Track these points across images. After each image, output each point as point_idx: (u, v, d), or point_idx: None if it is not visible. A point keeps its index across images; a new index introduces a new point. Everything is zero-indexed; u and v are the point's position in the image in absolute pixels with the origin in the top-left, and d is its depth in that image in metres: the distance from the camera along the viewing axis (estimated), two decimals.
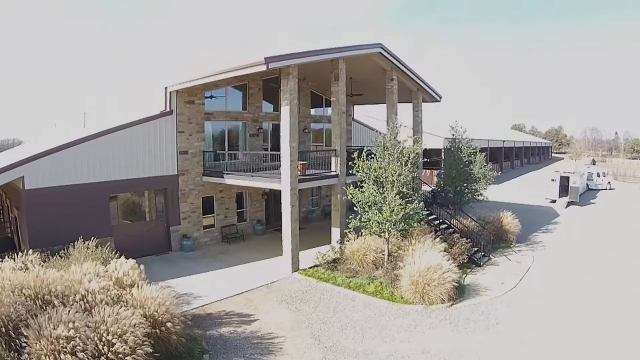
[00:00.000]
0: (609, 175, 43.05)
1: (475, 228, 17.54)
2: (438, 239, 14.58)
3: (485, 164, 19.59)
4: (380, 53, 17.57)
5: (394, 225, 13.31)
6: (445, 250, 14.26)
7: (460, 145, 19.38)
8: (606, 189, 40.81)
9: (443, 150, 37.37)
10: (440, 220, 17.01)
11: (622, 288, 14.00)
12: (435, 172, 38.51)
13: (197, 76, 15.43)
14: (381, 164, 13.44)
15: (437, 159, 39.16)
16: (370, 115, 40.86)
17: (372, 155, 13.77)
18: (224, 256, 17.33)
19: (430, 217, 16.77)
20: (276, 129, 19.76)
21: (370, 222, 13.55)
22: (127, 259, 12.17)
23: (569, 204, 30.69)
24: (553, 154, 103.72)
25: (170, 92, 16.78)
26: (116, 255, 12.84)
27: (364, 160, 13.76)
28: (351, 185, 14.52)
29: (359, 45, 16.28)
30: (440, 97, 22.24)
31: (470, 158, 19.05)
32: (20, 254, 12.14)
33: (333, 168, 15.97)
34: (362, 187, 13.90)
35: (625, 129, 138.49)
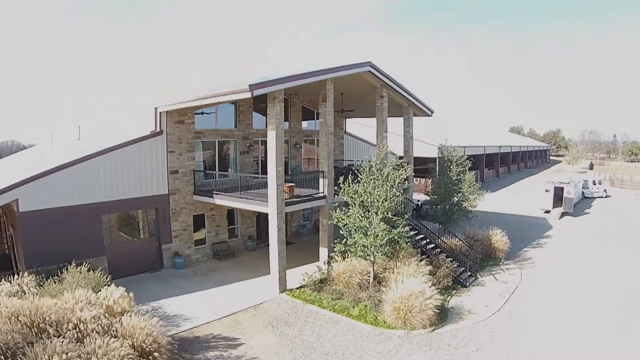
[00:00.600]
0: (605, 183, 43.16)
1: (463, 247, 17.66)
2: (423, 262, 14.70)
3: (474, 183, 19.57)
4: (370, 71, 17.72)
5: (379, 249, 13.46)
6: (430, 273, 14.42)
7: (449, 164, 19.43)
8: (602, 197, 40.94)
9: (437, 159, 37.47)
10: (428, 240, 17.12)
11: (611, 313, 13.95)
12: (429, 180, 38.60)
13: (185, 99, 15.60)
14: (366, 188, 13.56)
15: (431, 166, 39.20)
16: (365, 123, 41.15)
17: (358, 180, 13.87)
18: (215, 274, 17.50)
19: (417, 237, 16.89)
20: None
21: (356, 246, 13.70)
22: (121, 277, 12.73)
23: (563, 214, 30.82)
24: (551, 157, 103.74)
25: (160, 113, 16.94)
26: (108, 280, 13.28)
27: (349, 185, 13.86)
28: (338, 208, 14.61)
29: (348, 65, 16.37)
30: (432, 112, 22.35)
31: (459, 177, 19.12)
32: (16, 275, 12.71)
33: (321, 189, 16.10)
34: (348, 209, 14.04)
35: (623, 131, 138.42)
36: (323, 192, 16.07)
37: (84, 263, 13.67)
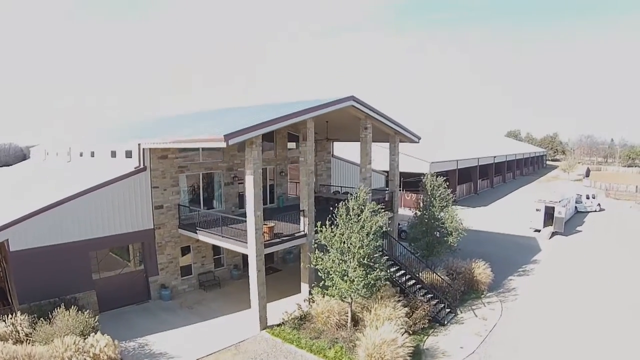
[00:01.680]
0: (599, 196, 43.20)
1: (444, 283, 17.75)
2: (401, 304, 14.83)
3: (457, 218, 19.48)
4: (353, 106, 17.84)
5: (355, 293, 13.63)
6: (407, 315, 14.58)
7: (432, 199, 19.41)
8: (596, 211, 41.00)
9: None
10: (408, 276, 17.25)
11: (597, 355, 13.85)
12: (421, 196, 38.67)
13: (166, 140, 15.79)
14: (343, 233, 13.68)
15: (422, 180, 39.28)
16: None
17: (336, 224, 13.98)
18: (200, 307, 17.77)
19: (397, 274, 17.03)
20: None
21: (334, 288, 13.86)
22: (110, 309, 14.26)
23: (553, 234, 30.87)
24: (548, 162, 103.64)
25: (143, 149, 17.10)
26: (96, 322, 13.91)
27: (331, 230, 13.95)
28: (317, 249, 14.73)
29: (329, 102, 16.46)
30: (419, 139, 22.51)
31: (442, 213, 19.14)
32: (10, 315, 13.48)
33: (302, 228, 16.24)
34: (328, 251, 14.17)
35: (621, 135, 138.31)
36: (304, 231, 16.22)
37: (74, 300, 14.82)
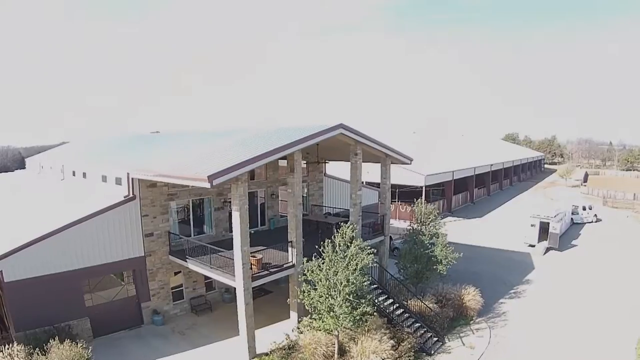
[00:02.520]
0: (596, 207, 43.17)
1: (432, 311, 17.73)
2: (387, 337, 14.88)
3: (447, 246, 19.36)
4: (342, 133, 17.86)
5: (341, 327, 13.70)
6: (392, 348, 14.64)
7: (422, 226, 19.38)
8: (592, 222, 40.99)
9: (424, 188, 37.67)
10: (397, 305, 17.30)
11: None
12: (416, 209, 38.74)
13: (153, 172, 15.84)
14: (329, 269, 13.72)
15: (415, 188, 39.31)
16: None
17: (323, 259, 14.01)
18: (191, 332, 17.88)
19: (386, 303, 17.08)
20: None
21: (321, 321, 13.93)
22: (103, 335, 15.00)
23: (548, 249, 30.87)
24: (546, 166, 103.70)
25: (132, 178, 17.16)
26: (90, 354, 13.92)
27: (318, 265, 13.99)
28: (305, 282, 14.76)
29: (317, 132, 16.43)
30: (410, 161, 22.55)
31: (432, 240, 19.09)
32: (7, 345, 13.69)
33: (290, 259, 16.29)
34: (315, 288, 14.18)
35: (619, 137, 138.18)
36: (292, 262, 16.26)
37: (69, 328, 15.42)
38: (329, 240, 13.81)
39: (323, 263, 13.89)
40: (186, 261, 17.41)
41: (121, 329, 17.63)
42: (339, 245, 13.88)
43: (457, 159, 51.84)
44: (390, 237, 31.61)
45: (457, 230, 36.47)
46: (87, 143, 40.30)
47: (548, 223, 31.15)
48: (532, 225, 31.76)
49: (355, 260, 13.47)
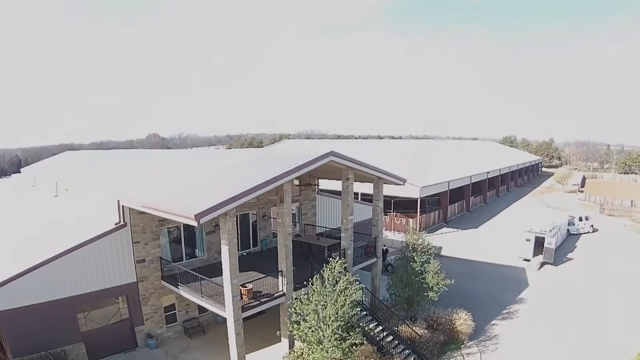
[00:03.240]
0: (592, 216, 43.15)
1: (422, 338, 17.69)
2: None
3: (438, 272, 19.14)
4: (333, 160, 17.83)
5: (330, 357, 13.71)
6: None
7: (413, 254, 19.16)
8: (589, 232, 40.98)
9: (419, 200, 37.65)
10: (387, 332, 17.29)
11: None
12: (411, 220, 38.82)
13: (143, 204, 15.83)
14: (319, 301, 13.71)
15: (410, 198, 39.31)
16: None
17: (314, 290, 14.00)
18: (184, 356, 17.95)
19: (376, 330, 17.08)
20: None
21: (311, 352, 13.94)
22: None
23: (543, 264, 30.84)
24: (544, 169, 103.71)
25: (122, 206, 17.12)
26: None
27: (307, 298, 13.98)
28: (295, 314, 14.75)
29: (307, 162, 16.33)
30: (404, 181, 22.56)
31: (422, 267, 18.96)
32: None
33: (280, 288, 16.27)
34: (305, 320, 14.17)
35: (618, 139, 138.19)
36: (282, 290, 16.25)
37: (64, 354, 15.63)
38: (318, 275, 13.77)
39: (313, 294, 13.89)
40: (178, 287, 17.40)
41: (116, 352, 17.74)
42: (328, 280, 13.87)
43: (453, 167, 51.78)
44: (385, 250, 31.74)
45: (453, 243, 36.51)
46: (82, 156, 40.40)
47: (543, 238, 31.12)
48: (527, 240, 31.70)
49: (344, 294, 13.46)
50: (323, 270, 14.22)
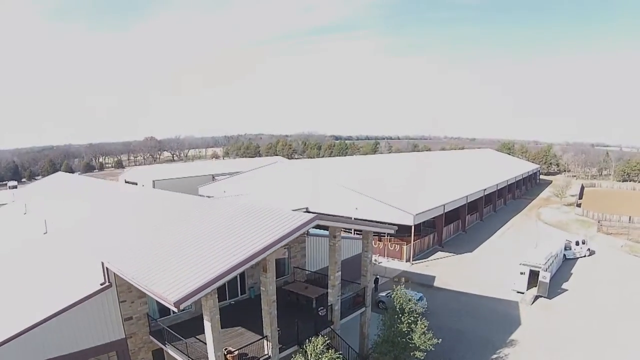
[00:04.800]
0: (591, 229, 42.88)
1: None
2: None
3: (425, 332, 18.71)
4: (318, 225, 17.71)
5: None
6: None
7: (399, 315, 18.63)
8: (585, 256, 40.88)
9: (413, 227, 37.48)
10: None
11: None
12: (405, 246, 38.65)
13: (124, 274, 15.81)
14: None
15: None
16: (350, 187, 40.25)
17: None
18: None
19: None
20: None
21: None
22: None
23: (537, 297, 30.68)
24: (541, 177, 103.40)
25: (106, 267, 17.05)
26: None
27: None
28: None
29: (294, 230, 16.06)
30: (395, 230, 22.59)
31: (410, 327, 18.60)
32: None
33: (266, 351, 16.21)
34: None
35: (615, 140, 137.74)
36: (267, 354, 16.20)
37: None
38: (300, 352, 13.70)
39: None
40: (165, 345, 17.41)
41: None
42: (311, 355, 13.80)
43: (449, 186, 51.58)
44: (375, 278, 31.62)
45: (446, 271, 36.42)
46: (74, 185, 40.50)
47: (538, 272, 30.97)
48: (521, 274, 31.52)
49: None
50: (306, 345, 14.11)
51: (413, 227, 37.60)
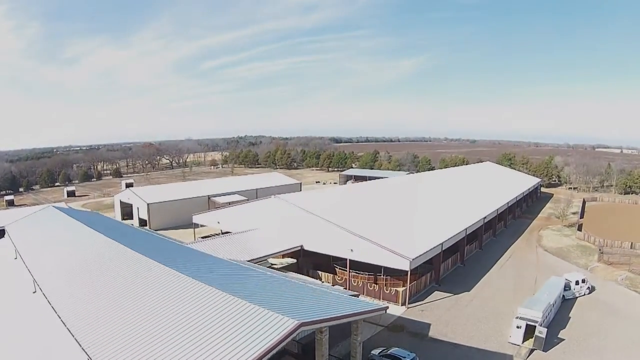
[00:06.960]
0: (589, 279, 42.15)
1: None
2: None
3: None
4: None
5: None
6: None
7: None
8: (585, 294, 40.09)
9: (409, 271, 36.55)
10: None
11: None
12: (400, 290, 37.70)
13: None
14: None
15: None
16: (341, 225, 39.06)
17: None
18: None
19: None
20: None
21: None
22: None
23: (532, 351, 29.97)
24: (542, 189, 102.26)
25: None
26: None
27: None
28: None
29: (280, 340, 15.41)
30: (385, 310, 21.77)
31: None
32: None
33: None
34: None
35: (614, 140, 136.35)
36: None
37: None
38: None
39: None
40: None
41: None
42: None
43: (448, 218, 50.56)
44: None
45: (442, 316, 35.57)
46: (63, 227, 39.97)
47: (534, 326, 30.21)
48: (517, 327, 30.84)
49: None
50: None
51: (410, 272, 36.67)
